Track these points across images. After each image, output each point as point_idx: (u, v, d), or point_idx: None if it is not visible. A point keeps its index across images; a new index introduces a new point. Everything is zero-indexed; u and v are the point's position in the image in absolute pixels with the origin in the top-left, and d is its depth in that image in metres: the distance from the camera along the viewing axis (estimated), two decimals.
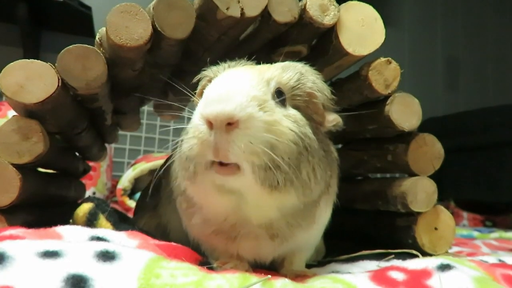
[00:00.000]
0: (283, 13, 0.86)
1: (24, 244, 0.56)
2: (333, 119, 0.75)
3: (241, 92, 0.62)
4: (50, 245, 0.56)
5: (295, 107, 0.71)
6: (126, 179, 2.44)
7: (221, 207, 0.68)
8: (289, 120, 0.66)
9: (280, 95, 0.69)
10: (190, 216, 0.76)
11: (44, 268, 0.51)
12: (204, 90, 0.70)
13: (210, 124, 0.61)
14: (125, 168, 2.83)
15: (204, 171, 0.64)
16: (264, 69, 0.72)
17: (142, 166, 2.46)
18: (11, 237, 0.62)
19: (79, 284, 0.49)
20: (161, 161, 1.67)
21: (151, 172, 2.39)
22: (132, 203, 2.34)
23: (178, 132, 0.71)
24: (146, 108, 2.77)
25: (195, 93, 0.79)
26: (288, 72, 0.72)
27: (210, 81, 0.75)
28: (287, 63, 0.75)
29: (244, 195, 0.65)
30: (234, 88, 0.63)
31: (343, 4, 0.90)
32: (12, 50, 2.58)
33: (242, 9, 0.82)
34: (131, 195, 2.45)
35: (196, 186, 0.67)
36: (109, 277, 0.52)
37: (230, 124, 0.60)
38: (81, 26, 2.54)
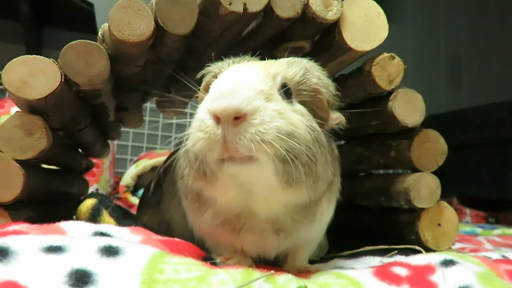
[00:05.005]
0: (286, 9, 0.85)
1: (28, 239, 0.56)
2: (336, 117, 0.75)
3: (248, 87, 0.62)
4: (54, 240, 0.57)
5: (301, 102, 0.71)
6: (129, 176, 2.44)
7: (233, 198, 0.68)
8: (296, 114, 0.66)
9: (286, 90, 0.69)
10: (201, 213, 0.75)
11: (48, 263, 0.51)
12: (209, 86, 0.70)
13: (217, 119, 0.60)
14: (127, 164, 2.83)
15: (219, 169, 0.63)
16: (269, 64, 0.72)
17: (145, 163, 2.46)
18: (15, 233, 0.63)
19: (83, 279, 0.50)
20: (164, 158, 1.67)
21: (154, 168, 2.39)
22: (135, 200, 2.35)
23: (181, 128, 0.71)
24: (149, 105, 2.77)
25: (198, 89, 0.78)
26: (294, 67, 0.72)
27: (215, 76, 0.75)
28: (291, 58, 0.75)
29: (254, 189, 0.65)
30: (241, 83, 0.63)
31: None
32: (14, 47, 2.58)
33: (244, 4, 0.81)
34: (134, 192, 2.46)
35: (217, 186, 0.66)
36: (112, 272, 0.52)
37: (238, 118, 0.60)
38: (83, 22, 2.54)
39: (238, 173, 0.63)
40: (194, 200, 0.76)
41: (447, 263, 0.69)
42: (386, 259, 0.86)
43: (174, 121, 3.03)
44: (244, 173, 0.63)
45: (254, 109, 0.60)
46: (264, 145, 0.60)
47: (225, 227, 0.73)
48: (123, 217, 0.91)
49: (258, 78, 0.65)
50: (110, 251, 0.56)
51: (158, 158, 2.45)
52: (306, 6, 0.86)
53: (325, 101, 0.73)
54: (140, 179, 2.45)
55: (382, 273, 0.67)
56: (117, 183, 2.58)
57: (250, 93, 0.61)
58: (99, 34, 0.86)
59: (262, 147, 0.60)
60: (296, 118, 0.65)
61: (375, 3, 0.91)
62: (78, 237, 0.62)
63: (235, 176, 0.63)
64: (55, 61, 0.78)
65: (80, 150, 1.30)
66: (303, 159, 0.63)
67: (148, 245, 0.64)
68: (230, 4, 0.80)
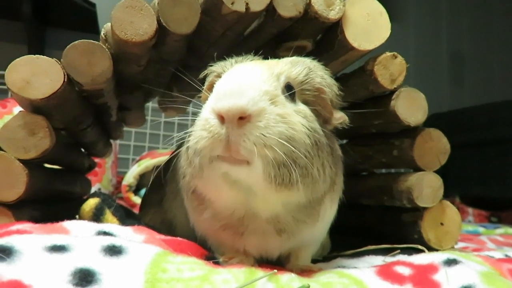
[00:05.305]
0: (288, 8, 0.85)
1: (32, 239, 0.56)
2: (340, 117, 0.75)
3: (253, 87, 0.62)
4: (57, 239, 0.57)
5: (304, 102, 0.72)
6: (131, 176, 2.45)
7: (229, 199, 0.68)
8: (299, 116, 0.66)
9: (289, 90, 0.69)
10: (200, 212, 0.75)
11: (52, 262, 0.52)
12: (212, 85, 0.70)
13: (221, 119, 0.60)
14: (130, 164, 2.84)
15: (209, 164, 0.63)
16: (273, 64, 0.72)
17: (147, 162, 2.47)
18: (19, 232, 0.63)
19: (87, 278, 0.50)
20: (166, 157, 1.67)
21: (156, 168, 2.39)
22: (137, 199, 2.35)
23: (183, 128, 0.71)
24: (151, 105, 2.77)
25: (202, 88, 0.78)
26: (297, 67, 0.72)
27: (218, 76, 0.75)
28: (295, 58, 0.75)
29: (253, 188, 0.65)
30: (245, 83, 0.63)
31: None
32: (17, 47, 2.59)
33: (247, 4, 0.81)
34: (136, 191, 2.46)
35: (204, 180, 0.66)
36: (116, 271, 0.52)
37: (242, 119, 0.60)
38: (85, 22, 2.54)
39: (228, 170, 0.63)
40: (194, 198, 0.76)
41: (450, 262, 0.69)
42: (388, 258, 0.86)
43: (176, 120, 3.03)
44: (233, 172, 0.63)
45: (259, 110, 0.61)
46: (266, 149, 0.60)
47: (226, 231, 0.73)
48: (126, 217, 0.92)
49: (262, 78, 0.65)
50: (114, 251, 0.56)
51: (160, 158, 2.45)
52: (308, 5, 0.86)
53: (328, 100, 0.73)
54: (142, 178, 2.46)
55: (385, 272, 0.67)
56: (119, 182, 2.59)
57: (255, 94, 0.61)
58: (102, 33, 0.86)
59: (263, 151, 0.60)
60: (297, 121, 0.65)
61: (377, 2, 0.91)
62: (81, 237, 0.62)
63: (225, 174, 0.63)
64: (58, 61, 0.79)
65: (82, 150, 1.30)
66: (300, 162, 0.63)
67: (151, 244, 0.64)
68: (232, 3, 0.80)
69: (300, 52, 0.97)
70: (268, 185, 0.63)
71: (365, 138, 1.13)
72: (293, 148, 0.61)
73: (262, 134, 0.60)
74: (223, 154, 0.61)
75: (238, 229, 0.72)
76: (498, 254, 0.98)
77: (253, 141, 0.59)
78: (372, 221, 1.17)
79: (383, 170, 1.23)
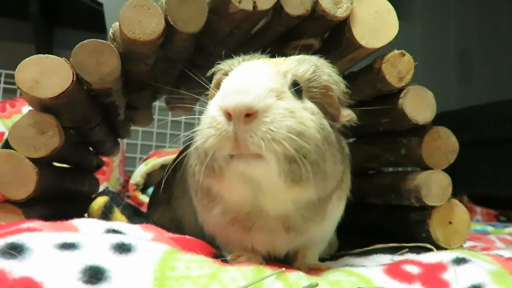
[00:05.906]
0: (296, 6, 0.85)
1: (42, 236, 0.57)
2: (347, 114, 0.75)
3: (259, 84, 0.62)
4: (67, 237, 0.57)
5: (311, 100, 0.71)
6: (138, 174, 2.46)
7: (241, 195, 0.68)
8: (307, 112, 0.66)
9: (296, 88, 0.69)
10: (210, 209, 0.75)
11: (62, 259, 0.52)
12: (219, 83, 0.70)
13: (228, 116, 0.60)
14: (137, 163, 2.85)
15: (227, 166, 0.63)
16: (280, 62, 0.72)
17: (154, 161, 2.48)
18: (29, 230, 0.63)
19: (96, 276, 0.50)
20: (173, 156, 1.68)
21: (163, 167, 2.40)
22: (144, 198, 2.37)
23: (190, 127, 0.71)
24: (158, 104, 2.79)
25: (209, 86, 0.79)
26: (304, 64, 0.72)
27: (225, 74, 0.75)
28: (302, 56, 0.75)
29: (263, 186, 0.65)
30: (252, 80, 0.63)
31: None
32: (25, 47, 2.61)
33: (254, 2, 0.81)
34: (143, 190, 2.48)
35: (221, 180, 0.66)
36: (125, 269, 0.52)
37: (249, 116, 0.60)
38: (93, 22, 2.56)
39: (245, 170, 0.63)
40: (204, 196, 0.76)
41: (459, 261, 0.68)
42: (397, 257, 0.85)
43: (183, 119, 3.05)
44: (250, 170, 0.63)
45: (265, 106, 0.61)
46: (274, 144, 0.60)
47: (235, 226, 0.73)
48: (134, 215, 0.92)
49: (269, 76, 0.65)
50: (123, 248, 0.57)
51: (167, 157, 2.46)
52: (316, 3, 0.86)
53: (335, 98, 0.73)
54: (149, 177, 2.47)
55: (394, 271, 0.67)
56: (126, 181, 2.61)
57: (262, 91, 0.61)
58: (110, 33, 0.86)
59: (272, 146, 0.60)
60: (306, 117, 0.65)
61: None
62: (91, 234, 0.63)
63: (242, 173, 0.64)
64: (67, 60, 0.79)
65: (91, 149, 1.31)
66: (311, 158, 0.63)
67: (160, 242, 0.64)
68: (239, 2, 0.80)
69: (307, 50, 0.97)
70: (282, 182, 0.63)
71: (373, 136, 1.13)
72: (303, 143, 0.61)
73: (270, 129, 0.60)
74: (233, 152, 0.61)
75: (246, 224, 0.72)
76: (507, 253, 0.97)
77: (261, 136, 0.59)
78: (380, 219, 1.17)
79: (391, 169, 1.23)
